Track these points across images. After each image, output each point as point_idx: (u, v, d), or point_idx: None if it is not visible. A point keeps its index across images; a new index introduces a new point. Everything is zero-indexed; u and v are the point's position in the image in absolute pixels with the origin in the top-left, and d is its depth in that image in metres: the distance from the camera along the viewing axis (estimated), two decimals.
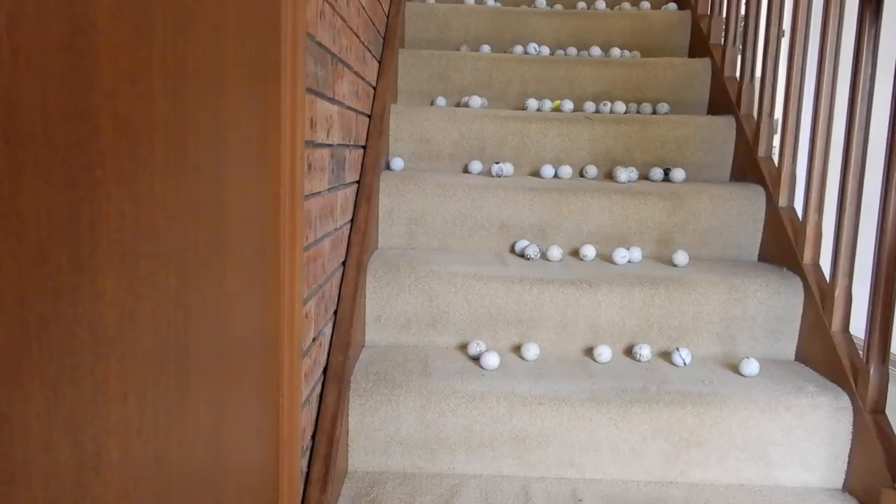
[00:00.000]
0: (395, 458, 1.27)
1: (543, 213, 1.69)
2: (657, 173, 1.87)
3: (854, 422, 1.27)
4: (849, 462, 1.28)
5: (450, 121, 1.88)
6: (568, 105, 2.07)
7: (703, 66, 2.15)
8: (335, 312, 1.29)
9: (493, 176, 1.81)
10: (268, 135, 0.77)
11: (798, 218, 1.61)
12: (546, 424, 1.26)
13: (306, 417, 1.06)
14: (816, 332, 1.43)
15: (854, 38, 1.35)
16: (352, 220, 1.47)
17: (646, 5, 2.56)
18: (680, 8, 2.51)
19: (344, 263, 1.38)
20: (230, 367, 0.66)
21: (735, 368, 1.41)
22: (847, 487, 1.28)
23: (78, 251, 0.40)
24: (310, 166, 1.02)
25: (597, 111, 2.07)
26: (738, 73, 2.02)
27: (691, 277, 1.50)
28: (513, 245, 1.70)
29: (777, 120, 1.76)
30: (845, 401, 1.28)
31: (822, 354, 1.41)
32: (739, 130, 1.89)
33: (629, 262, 1.63)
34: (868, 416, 1.25)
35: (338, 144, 1.27)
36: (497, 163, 1.82)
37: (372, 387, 1.27)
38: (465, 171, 1.90)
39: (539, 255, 1.64)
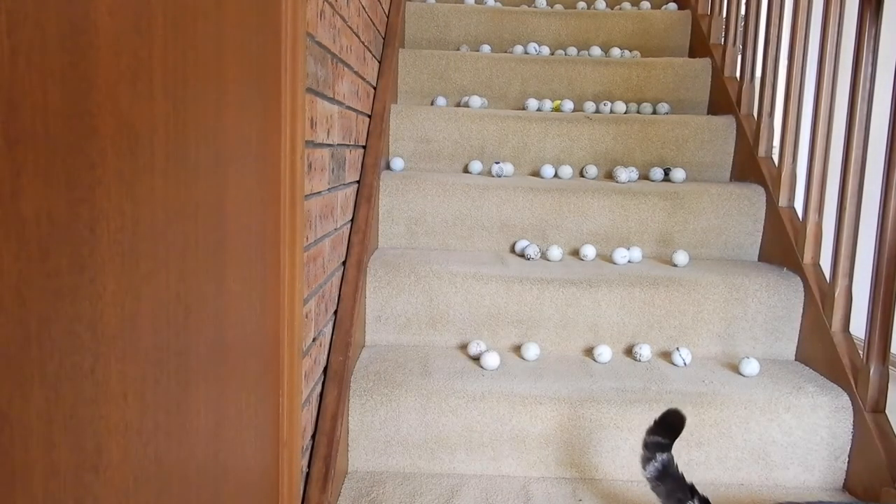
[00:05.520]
0: (395, 457, 1.27)
1: (543, 212, 1.69)
2: (657, 173, 1.87)
3: (854, 422, 1.27)
4: (849, 462, 1.28)
5: (450, 121, 1.88)
6: (568, 105, 2.07)
7: (703, 65, 2.15)
8: (335, 312, 1.29)
9: (493, 176, 1.81)
10: (268, 135, 0.77)
11: (798, 218, 1.61)
12: (546, 424, 1.26)
13: (306, 417, 1.06)
14: (816, 332, 1.43)
15: (854, 38, 1.35)
16: (352, 220, 1.47)
17: (646, 5, 2.56)
18: (680, 8, 2.51)
19: (344, 263, 1.38)
20: (230, 367, 0.66)
21: (735, 368, 1.41)
22: (847, 487, 1.28)
23: (78, 251, 0.40)
24: (310, 166, 1.02)
25: (597, 111, 2.07)
26: (738, 73, 2.01)
27: (691, 277, 1.50)
28: (513, 245, 1.70)
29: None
30: (845, 401, 1.28)
31: (822, 354, 1.41)
32: (739, 130, 1.89)
33: (629, 261, 1.63)
34: (868, 415, 1.25)
35: (338, 144, 1.27)
36: (497, 163, 1.82)
37: (372, 387, 1.27)
38: (465, 171, 1.90)
39: (539, 254, 1.64)
